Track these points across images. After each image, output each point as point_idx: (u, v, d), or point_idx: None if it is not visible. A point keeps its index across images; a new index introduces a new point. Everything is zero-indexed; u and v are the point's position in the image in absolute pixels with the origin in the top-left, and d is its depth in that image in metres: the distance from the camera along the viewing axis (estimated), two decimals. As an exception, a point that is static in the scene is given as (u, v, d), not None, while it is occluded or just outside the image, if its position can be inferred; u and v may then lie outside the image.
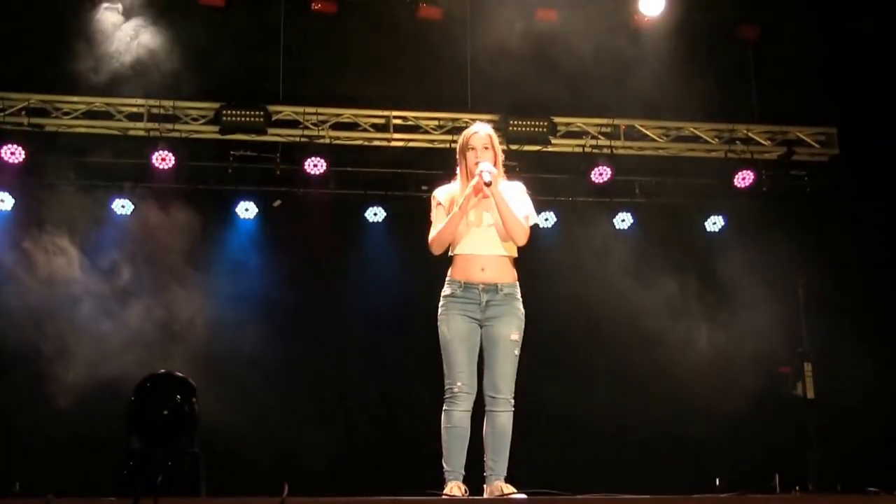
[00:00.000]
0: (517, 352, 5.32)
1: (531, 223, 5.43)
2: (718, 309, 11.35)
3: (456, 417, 5.25)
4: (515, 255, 5.45)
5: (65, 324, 10.17)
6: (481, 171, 5.24)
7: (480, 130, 5.50)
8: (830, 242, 11.17)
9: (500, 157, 5.51)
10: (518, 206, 5.38)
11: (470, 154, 5.43)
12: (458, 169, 5.55)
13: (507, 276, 5.39)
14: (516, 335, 5.32)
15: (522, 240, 5.35)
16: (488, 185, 5.22)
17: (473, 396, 5.31)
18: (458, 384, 5.26)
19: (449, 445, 5.27)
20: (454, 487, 5.18)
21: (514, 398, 5.31)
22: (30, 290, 10.26)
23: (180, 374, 7.64)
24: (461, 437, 5.27)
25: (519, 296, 5.40)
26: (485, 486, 5.31)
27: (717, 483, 10.52)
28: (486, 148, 5.41)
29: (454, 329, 5.32)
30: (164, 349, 10.10)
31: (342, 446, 10.43)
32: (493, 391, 5.28)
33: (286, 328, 10.63)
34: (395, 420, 10.19)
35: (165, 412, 7.33)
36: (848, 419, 10.53)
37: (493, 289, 5.33)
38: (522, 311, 5.39)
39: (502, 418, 5.26)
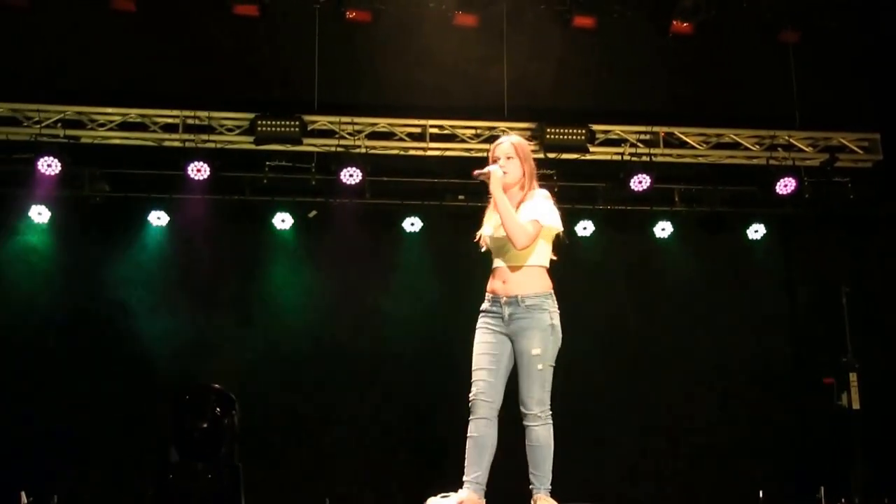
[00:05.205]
0: (541, 366, 5.14)
1: (538, 226, 5.18)
2: (761, 318, 11.22)
3: (474, 426, 5.20)
4: (543, 263, 5.31)
5: (101, 334, 10.20)
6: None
7: (504, 142, 5.43)
8: (874, 249, 11.05)
9: (530, 166, 5.41)
10: (529, 211, 5.23)
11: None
12: None
13: (531, 287, 5.24)
14: (537, 349, 5.15)
15: (520, 242, 5.14)
16: (479, 176, 5.27)
17: (495, 405, 5.22)
18: (474, 391, 5.23)
19: (467, 453, 5.21)
20: (457, 498, 5.11)
21: (555, 411, 5.19)
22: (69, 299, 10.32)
23: (219, 387, 7.62)
24: (478, 445, 5.19)
25: (548, 306, 5.23)
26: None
27: (761, 496, 10.36)
28: (510, 158, 5.34)
29: (478, 341, 5.29)
30: (202, 361, 10.08)
31: (381, 457, 10.41)
32: (522, 406, 5.19)
33: (323, 339, 10.60)
34: (433, 430, 10.10)
35: (205, 425, 7.31)
36: (895, 430, 10.33)
37: (514, 301, 5.21)
38: (550, 321, 5.21)
39: (535, 432, 5.16)
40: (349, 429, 10.44)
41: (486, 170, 5.28)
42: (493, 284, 5.32)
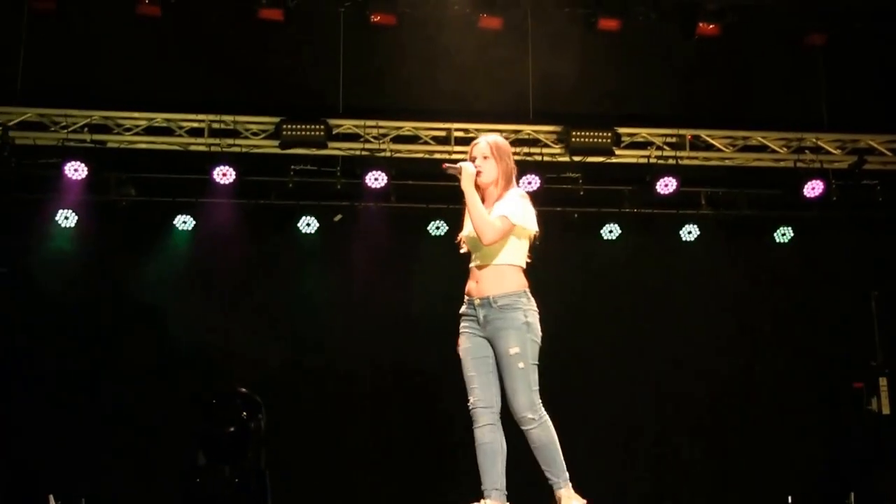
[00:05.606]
0: (522, 364, 5.04)
1: (507, 222, 5.07)
2: (789, 322, 11.14)
3: (479, 434, 5.17)
4: (516, 262, 5.21)
5: (127, 338, 10.24)
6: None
7: (481, 141, 5.35)
8: (904, 253, 10.93)
9: (506, 165, 5.29)
10: (500, 209, 5.14)
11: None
12: None
13: (504, 286, 5.15)
14: (515, 348, 5.06)
15: (486, 237, 5.04)
16: (448, 170, 5.18)
17: (494, 409, 5.18)
18: (471, 400, 5.21)
19: (479, 462, 5.17)
20: None
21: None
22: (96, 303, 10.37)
23: (246, 391, 7.63)
24: (487, 452, 5.15)
25: (521, 305, 5.12)
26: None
27: (790, 501, 10.30)
28: (486, 157, 5.26)
29: (463, 347, 5.29)
30: (228, 364, 10.10)
31: (408, 463, 10.40)
32: (512, 412, 5.13)
33: (349, 343, 10.60)
34: (460, 436, 10.04)
35: (232, 429, 7.31)
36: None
37: (486, 303, 5.14)
38: (525, 319, 5.10)
39: (534, 434, 5.09)
40: (375, 433, 10.43)
41: (457, 165, 5.20)
42: (468, 285, 5.28)
